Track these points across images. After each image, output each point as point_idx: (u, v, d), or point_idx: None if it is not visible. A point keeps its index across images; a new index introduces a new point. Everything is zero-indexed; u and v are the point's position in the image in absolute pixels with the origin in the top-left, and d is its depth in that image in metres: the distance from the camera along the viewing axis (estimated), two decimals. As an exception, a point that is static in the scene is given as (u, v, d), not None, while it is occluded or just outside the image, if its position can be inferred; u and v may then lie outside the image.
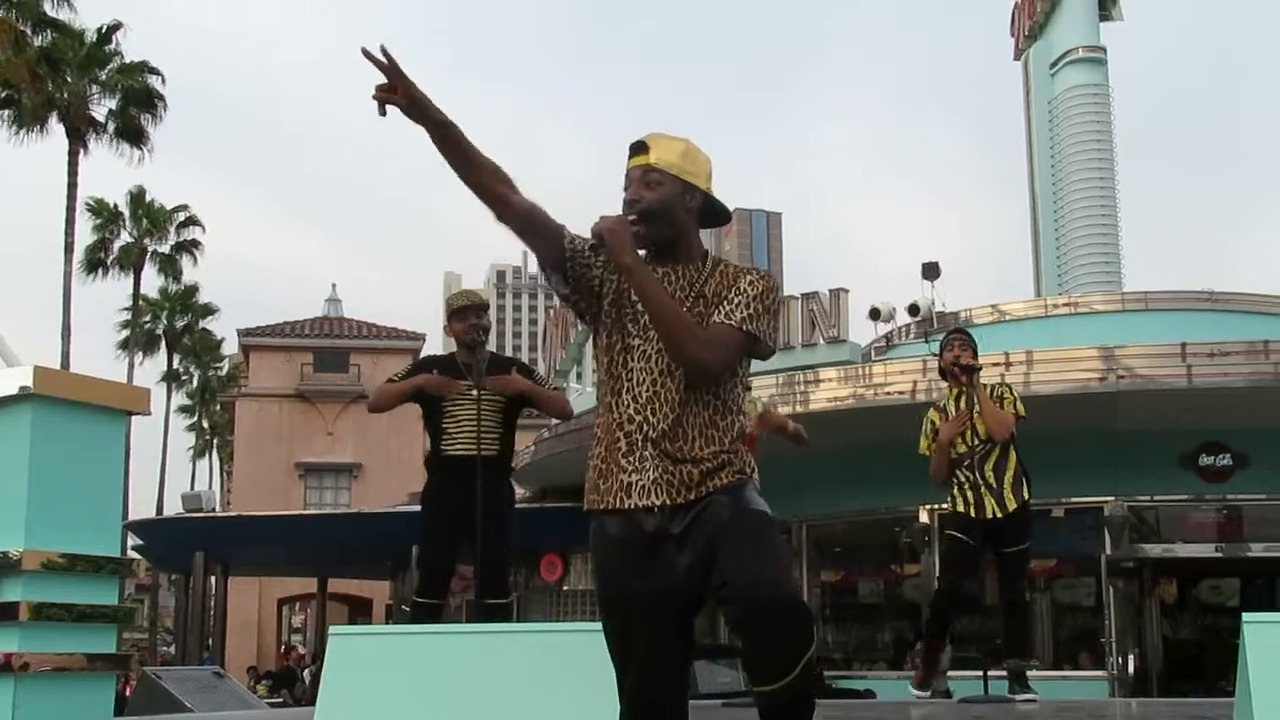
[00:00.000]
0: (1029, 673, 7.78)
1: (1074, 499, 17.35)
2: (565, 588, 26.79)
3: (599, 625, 3.34)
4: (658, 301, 3.25)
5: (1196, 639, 18.39)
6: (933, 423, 7.78)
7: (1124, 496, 17.12)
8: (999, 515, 7.50)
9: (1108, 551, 17.10)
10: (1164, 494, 16.97)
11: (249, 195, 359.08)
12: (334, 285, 50.50)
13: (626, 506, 3.33)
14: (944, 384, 8.06)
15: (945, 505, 7.79)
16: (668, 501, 3.28)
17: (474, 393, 6.90)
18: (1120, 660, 16.66)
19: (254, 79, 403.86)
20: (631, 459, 3.34)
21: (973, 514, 7.52)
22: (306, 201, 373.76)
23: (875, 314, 21.43)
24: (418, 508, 7.34)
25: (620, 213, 3.37)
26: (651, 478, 3.30)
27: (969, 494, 7.56)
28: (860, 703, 12.37)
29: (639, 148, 3.45)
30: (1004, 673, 7.81)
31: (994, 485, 7.52)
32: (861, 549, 19.80)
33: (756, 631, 3.02)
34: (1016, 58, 29.88)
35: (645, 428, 3.32)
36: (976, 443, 7.59)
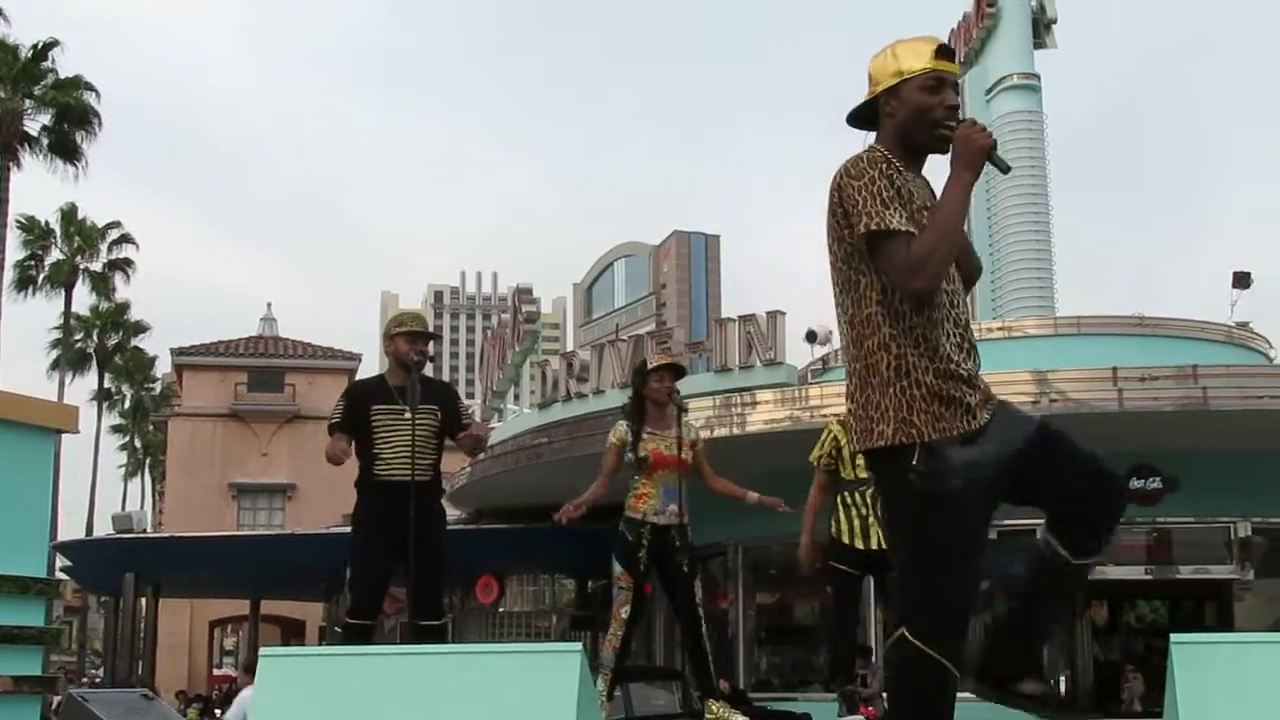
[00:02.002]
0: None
1: (1007, 521, 17.37)
2: (501, 609, 26.67)
3: (536, 646, 3.34)
4: (960, 219, 3.45)
5: (1127, 660, 18.55)
6: (835, 438, 7.74)
7: (1057, 519, 17.26)
8: (880, 549, 7.41)
9: (1041, 573, 17.22)
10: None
11: (184, 214, 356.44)
12: (269, 304, 50.13)
13: (974, 428, 3.52)
14: None
15: (832, 529, 7.69)
16: (986, 417, 3.56)
17: (406, 416, 6.87)
18: (1051, 681, 16.78)
19: (193, 99, 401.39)
20: (965, 385, 3.52)
21: (857, 544, 7.50)
22: (242, 221, 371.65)
23: (812, 336, 21.54)
24: (350, 529, 7.29)
25: (943, 111, 3.52)
26: (979, 399, 3.55)
27: (855, 522, 7.54)
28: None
29: (953, 55, 3.60)
30: None
31: (880, 519, 7.50)
32: (797, 572, 19.81)
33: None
34: (952, 83, 30.15)
35: (966, 350, 3.56)
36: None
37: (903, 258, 3.37)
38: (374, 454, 6.98)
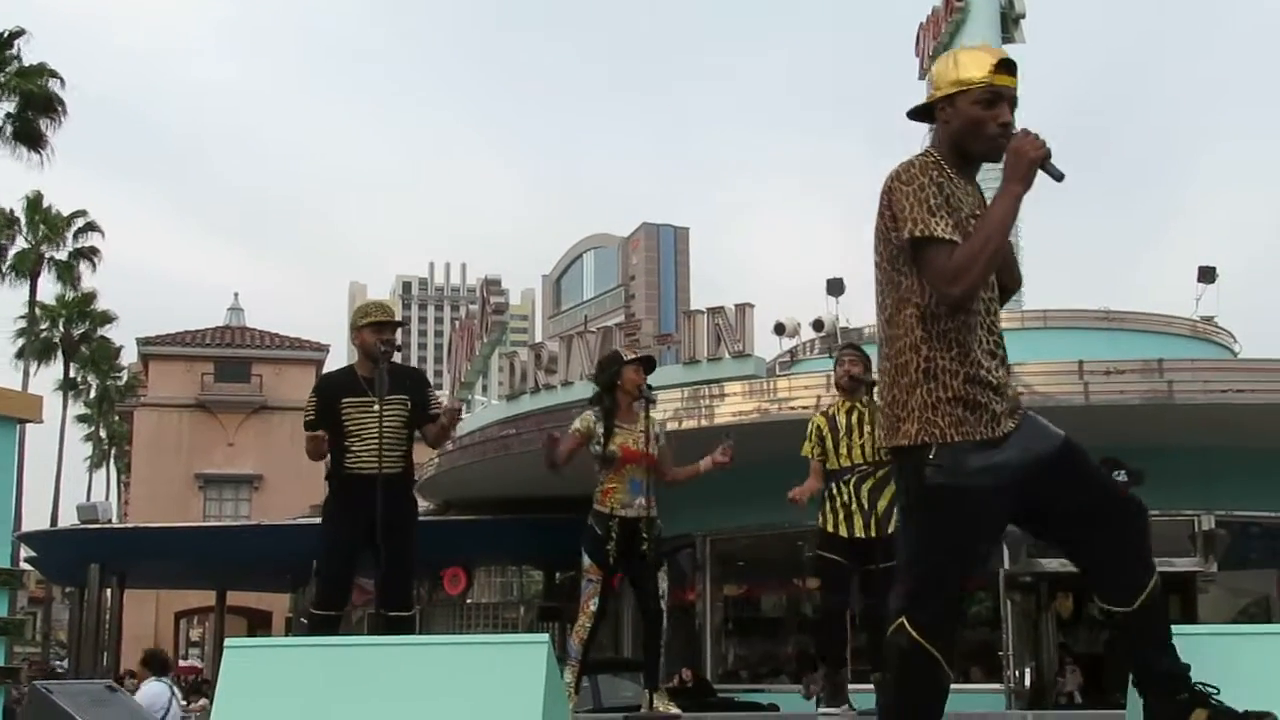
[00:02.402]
0: None
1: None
2: (469, 600, 26.63)
3: (502, 638, 3.35)
4: (1005, 230, 3.48)
5: (1091, 652, 18.66)
6: (819, 429, 7.75)
7: (1022, 512, 17.34)
8: (866, 536, 7.44)
9: (1006, 566, 17.30)
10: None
11: (153, 204, 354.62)
12: (236, 294, 49.89)
13: (998, 434, 3.55)
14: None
15: (821, 521, 7.70)
16: (1012, 426, 3.59)
17: (375, 407, 6.85)
18: (1017, 673, 16.87)
19: (165, 90, 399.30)
20: (992, 392, 3.55)
21: (842, 533, 7.52)
22: (211, 211, 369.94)
23: (780, 329, 21.56)
24: (319, 520, 7.27)
25: (996, 128, 3.56)
26: (1005, 407, 3.58)
27: (840, 511, 7.55)
28: (764, 716, 12.42)
29: (1014, 69, 3.63)
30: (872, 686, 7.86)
31: (865, 508, 7.52)
32: (764, 563, 19.90)
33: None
34: (921, 77, 30.21)
35: (998, 359, 3.61)
36: (861, 461, 7.60)
37: (944, 264, 3.44)
38: (343, 446, 6.95)
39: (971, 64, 3.62)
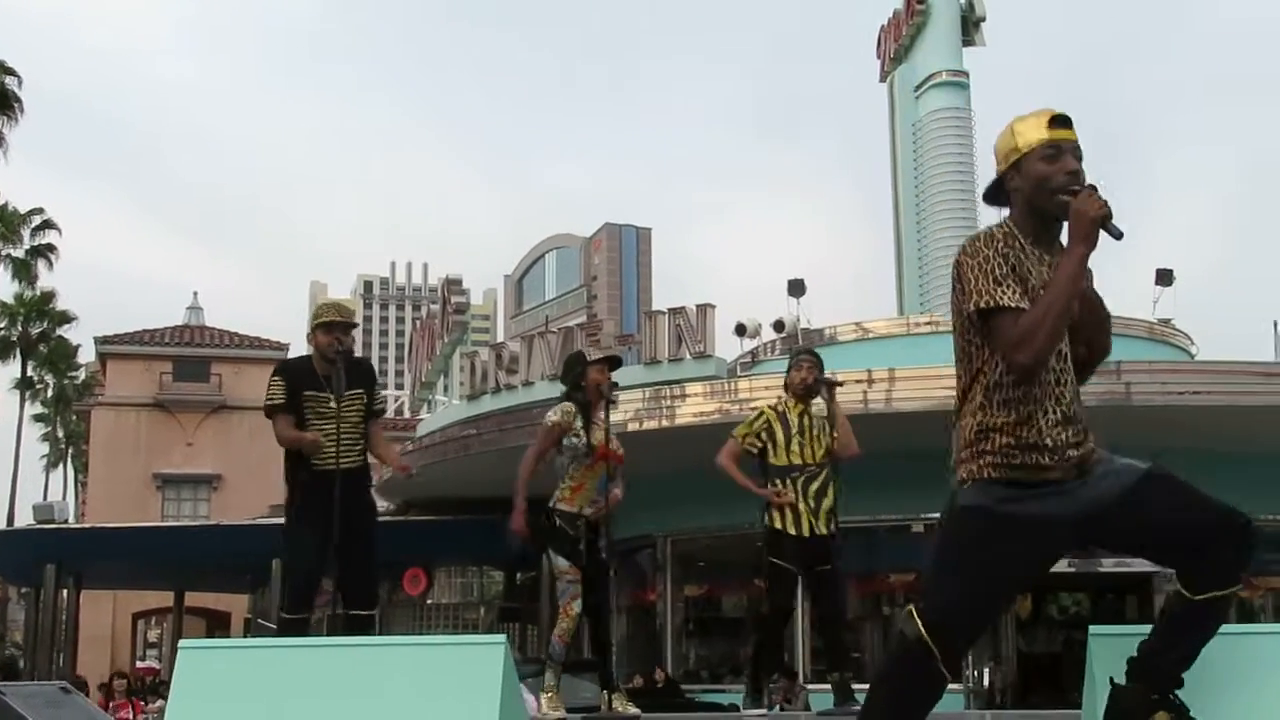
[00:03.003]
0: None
1: (934, 514, 17.60)
2: (429, 601, 26.57)
3: (460, 638, 3.34)
4: (1069, 293, 3.49)
5: (1050, 652, 18.78)
6: (768, 421, 7.75)
7: (981, 512, 17.43)
8: (814, 534, 7.54)
9: (965, 566, 17.39)
10: (1019, 510, 17.29)
11: (111, 202, 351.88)
12: (195, 293, 49.47)
13: (1039, 479, 3.63)
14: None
15: (773, 522, 7.68)
16: (1060, 475, 3.67)
17: (332, 404, 6.81)
18: (976, 673, 16.95)
19: (124, 88, 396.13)
20: (1046, 454, 3.61)
21: (791, 530, 7.56)
22: (170, 209, 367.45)
23: (741, 330, 21.61)
24: (279, 520, 7.22)
25: (1064, 178, 3.57)
26: (1061, 463, 3.66)
27: (789, 511, 7.60)
28: (723, 716, 12.42)
29: (1069, 122, 3.65)
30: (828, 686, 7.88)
31: (813, 506, 7.58)
32: (725, 564, 19.94)
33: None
34: (882, 80, 30.32)
35: (1065, 432, 3.68)
36: (811, 461, 7.65)
37: (1010, 332, 3.48)
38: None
39: (1027, 128, 3.68)
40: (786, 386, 7.94)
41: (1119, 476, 3.66)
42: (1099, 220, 3.48)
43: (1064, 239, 3.57)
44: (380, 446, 7.24)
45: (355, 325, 7.28)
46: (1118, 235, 3.53)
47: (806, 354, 8.28)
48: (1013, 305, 3.48)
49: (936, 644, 3.43)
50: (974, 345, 3.66)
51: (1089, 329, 3.72)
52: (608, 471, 7.46)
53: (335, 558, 6.73)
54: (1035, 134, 3.64)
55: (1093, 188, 3.55)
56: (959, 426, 3.71)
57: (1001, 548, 3.54)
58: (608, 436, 7.43)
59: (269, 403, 7.04)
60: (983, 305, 3.51)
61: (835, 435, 7.74)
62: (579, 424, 7.41)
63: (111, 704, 17.10)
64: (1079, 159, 3.63)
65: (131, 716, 16.69)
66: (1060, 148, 3.62)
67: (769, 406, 7.94)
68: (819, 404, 7.92)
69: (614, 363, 7.76)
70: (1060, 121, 3.65)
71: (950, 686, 3.59)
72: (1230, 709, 3.81)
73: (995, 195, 3.80)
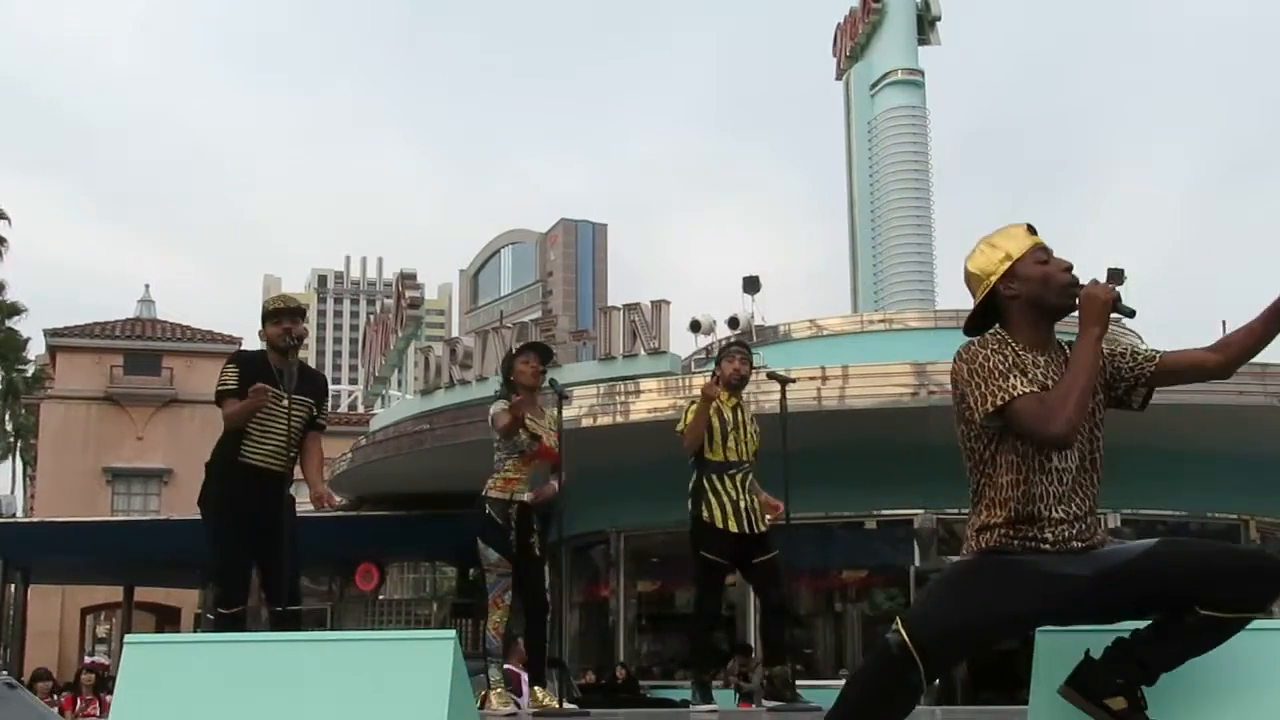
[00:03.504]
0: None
1: (885, 511, 17.74)
2: (381, 597, 26.48)
3: (409, 633, 3.31)
4: (1092, 370, 3.62)
5: (1001, 649, 18.86)
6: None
7: (934, 509, 17.54)
8: (749, 531, 7.53)
9: (917, 563, 17.49)
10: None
11: (62, 194, 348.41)
12: (147, 286, 49.03)
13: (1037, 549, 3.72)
14: (767, 393, 8.07)
15: (704, 514, 7.65)
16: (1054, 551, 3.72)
17: (284, 402, 6.73)
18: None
19: (76, 79, 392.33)
20: (1040, 544, 3.66)
21: (731, 527, 7.54)
22: (122, 202, 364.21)
23: (696, 326, 21.63)
24: (203, 514, 7.03)
25: (1065, 275, 3.73)
26: (1056, 547, 3.71)
27: (726, 505, 7.57)
28: (674, 711, 12.42)
29: (1035, 230, 3.85)
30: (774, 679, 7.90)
31: (749, 501, 7.58)
32: (678, 560, 19.91)
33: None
34: (838, 78, 30.46)
35: (1065, 528, 3.71)
36: (744, 458, 7.64)
37: (1036, 409, 3.54)
38: (246, 433, 6.81)
39: (1009, 240, 3.82)
40: (717, 379, 7.88)
41: (1134, 547, 3.72)
42: (1110, 302, 3.64)
43: (1056, 336, 3.77)
44: (313, 465, 7.04)
45: (304, 312, 7.17)
46: (1130, 314, 3.74)
47: (738, 345, 8.30)
48: (1029, 390, 3.57)
49: (922, 660, 3.45)
50: (976, 452, 3.73)
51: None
52: (551, 467, 7.42)
53: (261, 555, 6.68)
54: (1021, 243, 3.80)
55: (1094, 279, 3.72)
56: (968, 523, 3.79)
57: (1010, 587, 3.58)
58: (560, 432, 7.40)
59: (221, 388, 6.91)
60: (998, 403, 3.57)
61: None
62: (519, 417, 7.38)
63: (79, 699, 17.00)
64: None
65: (99, 713, 16.56)
66: (1047, 250, 3.79)
67: (707, 399, 7.91)
68: (763, 392, 7.94)
69: (540, 351, 7.72)
70: (1034, 230, 3.85)
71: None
72: (1221, 707, 3.84)
73: (979, 319, 3.87)
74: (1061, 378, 3.63)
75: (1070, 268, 3.74)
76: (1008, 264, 3.77)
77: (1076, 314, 3.72)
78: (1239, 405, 15.18)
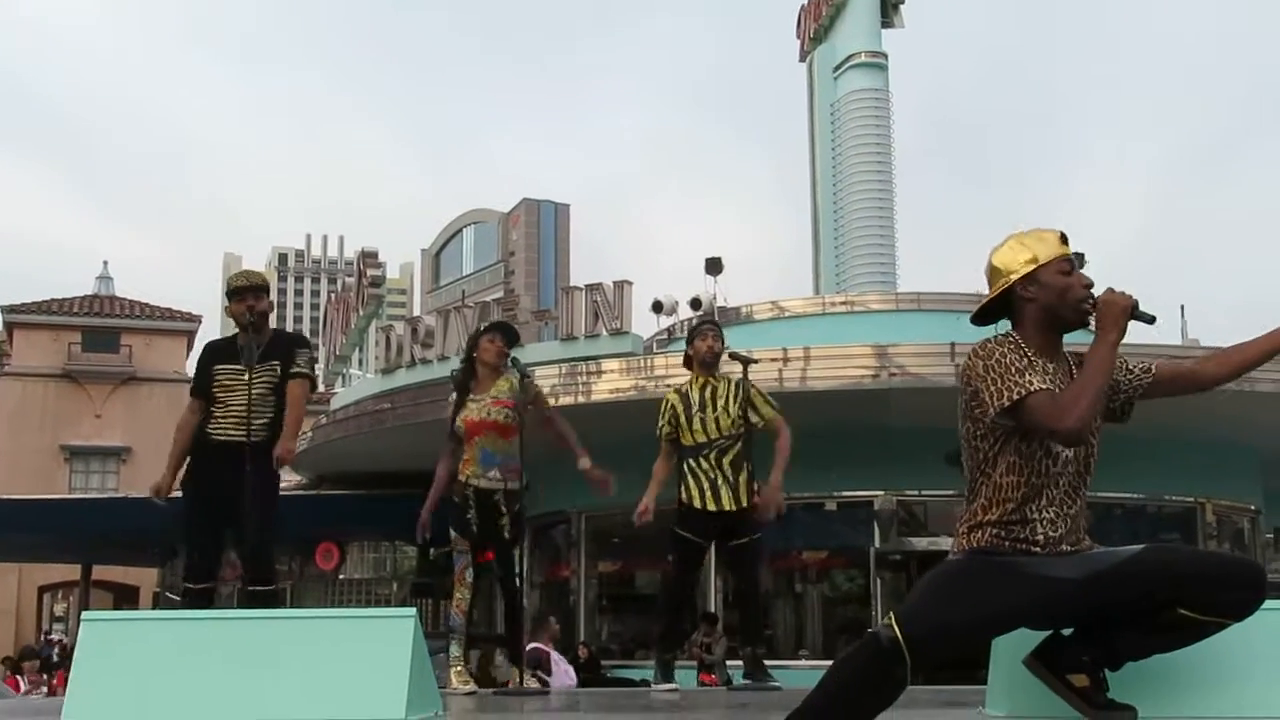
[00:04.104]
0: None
1: (846, 493, 17.81)
2: (341, 576, 26.43)
3: (369, 611, 3.31)
4: (1106, 372, 3.64)
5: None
6: (673, 406, 7.73)
7: (893, 491, 17.63)
8: (732, 508, 7.50)
9: (877, 544, 17.58)
10: (931, 489, 17.50)
11: (19, 170, 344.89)
12: (105, 262, 48.58)
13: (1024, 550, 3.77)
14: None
15: (682, 495, 7.61)
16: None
17: (245, 376, 6.72)
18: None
19: (36, 53, 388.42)
20: (1032, 547, 3.70)
21: (709, 506, 7.53)
22: (80, 177, 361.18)
23: (658, 307, 21.64)
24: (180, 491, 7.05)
25: (1083, 291, 3.73)
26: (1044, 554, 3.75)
27: (704, 485, 7.57)
28: (633, 690, 12.46)
29: (1068, 239, 3.84)
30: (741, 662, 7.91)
31: (730, 478, 7.57)
32: (639, 540, 19.95)
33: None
34: (802, 59, 30.44)
35: (1059, 531, 3.75)
36: (718, 435, 7.63)
37: (1050, 405, 3.57)
38: (209, 412, 6.81)
39: (1039, 242, 3.82)
40: (691, 359, 7.89)
41: (1122, 552, 3.75)
42: (1128, 309, 3.65)
43: (1065, 344, 3.80)
44: (286, 417, 6.94)
45: (266, 288, 7.13)
46: (1150, 320, 3.72)
47: (709, 323, 8.28)
48: (1044, 387, 3.59)
49: (911, 655, 3.45)
50: (980, 451, 3.76)
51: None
52: (504, 445, 7.38)
53: (237, 532, 6.67)
54: (1050, 249, 3.80)
55: (1111, 287, 3.72)
56: (960, 519, 3.83)
57: (1000, 587, 3.61)
58: (503, 405, 7.34)
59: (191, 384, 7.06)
60: (1014, 397, 3.60)
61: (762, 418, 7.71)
62: (455, 411, 7.39)
63: (48, 676, 16.96)
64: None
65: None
66: (1074, 262, 3.81)
67: (673, 391, 7.90)
68: (728, 372, 7.93)
69: (505, 331, 7.68)
70: (1066, 240, 3.84)
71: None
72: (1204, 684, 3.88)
73: (990, 313, 3.92)
74: (1078, 375, 3.67)
75: (1091, 285, 3.75)
76: (1031, 267, 3.78)
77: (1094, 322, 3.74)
78: (1196, 389, 15.29)
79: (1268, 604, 3.66)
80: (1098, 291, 3.72)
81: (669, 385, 16.00)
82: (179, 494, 7.01)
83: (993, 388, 3.65)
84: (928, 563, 17.80)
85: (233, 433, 6.73)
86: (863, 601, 17.87)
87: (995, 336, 3.79)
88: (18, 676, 17.26)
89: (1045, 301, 3.76)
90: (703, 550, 7.75)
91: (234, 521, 6.63)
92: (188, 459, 6.93)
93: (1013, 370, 3.63)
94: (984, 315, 3.93)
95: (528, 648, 14.53)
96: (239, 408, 6.73)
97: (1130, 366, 3.90)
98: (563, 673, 12.40)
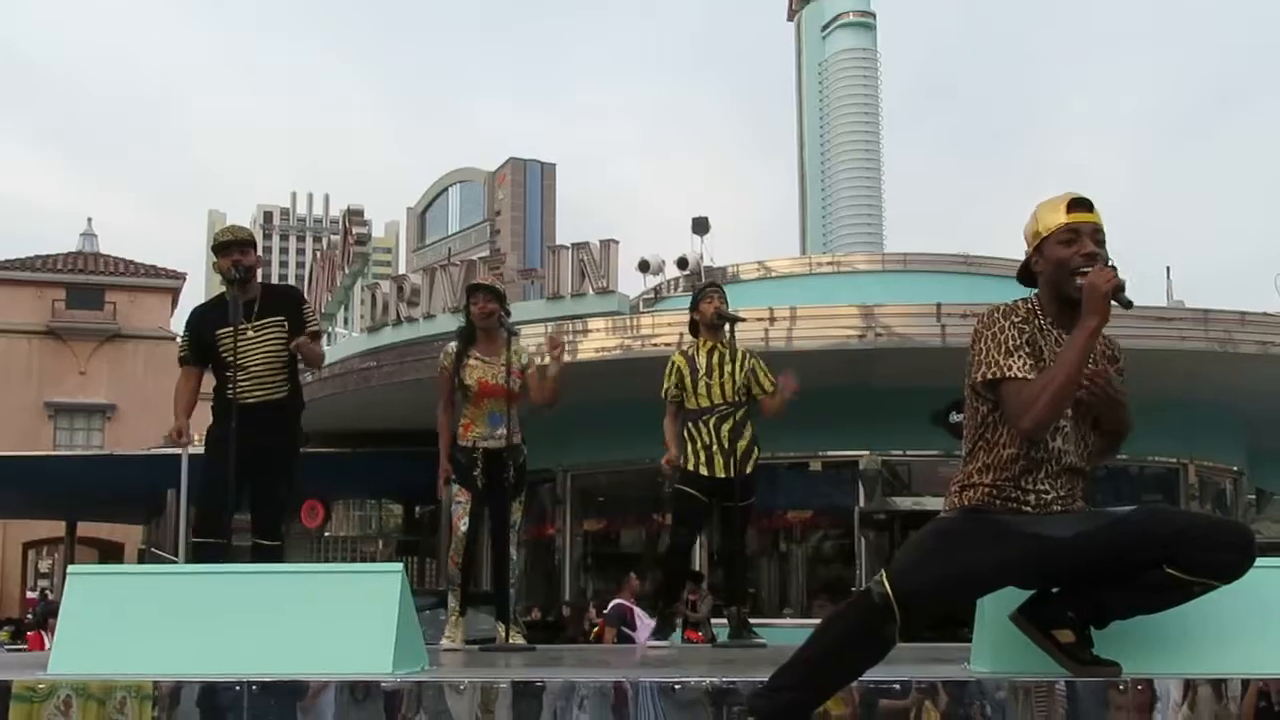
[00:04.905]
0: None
1: (831, 453, 17.84)
2: (326, 534, 26.43)
3: (357, 566, 3.32)
4: (1077, 365, 3.58)
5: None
6: (679, 369, 7.75)
7: (878, 451, 17.67)
8: (726, 476, 7.53)
9: (861, 504, 17.63)
10: (916, 449, 17.55)
11: (5, 128, 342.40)
12: (90, 219, 48.31)
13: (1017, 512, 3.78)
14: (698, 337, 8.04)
15: (681, 458, 7.66)
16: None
17: (249, 334, 6.67)
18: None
19: (19, 10, 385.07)
20: (1024, 507, 3.72)
21: (704, 471, 7.58)
22: (66, 135, 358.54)
23: (644, 266, 21.62)
24: (174, 451, 7.11)
25: (1079, 260, 3.67)
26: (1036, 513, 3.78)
27: (701, 452, 7.61)
28: (619, 648, 12.52)
29: (1088, 205, 3.76)
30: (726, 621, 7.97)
31: (725, 448, 7.58)
32: (624, 499, 20.02)
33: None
34: (790, 18, 30.40)
35: (1052, 496, 3.77)
36: (721, 402, 7.65)
37: (1014, 398, 3.61)
38: (223, 376, 6.74)
39: (1047, 212, 3.80)
40: (695, 322, 7.91)
41: (1113, 512, 3.76)
42: (1110, 293, 3.59)
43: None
44: (315, 355, 6.99)
45: (253, 243, 7.07)
46: (1127, 305, 3.65)
47: (713, 285, 8.29)
48: (1020, 376, 3.61)
49: (901, 612, 3.47)
50: (979, 412, 3.78)
51: (1100, 408, 3.78)
52: (506, 407, 7.39)
53: (250, 490, 6.68)
54: (1054, 218, 3.78)
55: (1106, 263, 3.67)
56: (953, 479, 3.84)
57: (992, 544, 3.63)
58: (509, 371, 7.36)
59: (179, 354, 7.00)
60: (990, 376, 3.65)
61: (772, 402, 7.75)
62: (453, 363, 7.37)
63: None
64: (1099, 241, 3.74)
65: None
66: (1079, 230, 3.74)
67: (679, 352, 7.91)
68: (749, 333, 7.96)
69: (491, 293, 7.65)
70: (1079, 205, 3.77)
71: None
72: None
73: (1026, 276, 3.92)
74: (1049, 366, 3.64)
75: (1093, 256, 3.68)
76: (1039, 239, 3.80)
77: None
78: (1180, 350, 15.33)
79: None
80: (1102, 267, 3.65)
81: (655, 345, 16.11)
82: (174, 450, 7.02)
83: (979, 358, 3.69)
84: (912, 523, 17.88)
85: (247, 395, 6.66)
86: (847, 561, 17.92)
87: (1012, 304, 3.79)
88: (43, 633, 17.26)
89: (1048, 275, 3.77)
90: (701, 507, 7.77)
91: (256, 479, 6.63)
92: (214, 419, 6.87)
93: (1003, 348, 3.65)
94: (1025, 279, 3.93)
95: (611, 604, 14.62)
96: (258, 368, 6.69)
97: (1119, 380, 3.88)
98: (647, 627, 12.48)
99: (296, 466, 7.04)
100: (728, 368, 7.65)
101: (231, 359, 6.65)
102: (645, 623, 12.72)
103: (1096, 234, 3.74)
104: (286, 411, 6.86)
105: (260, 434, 6.51)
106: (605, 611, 14.34)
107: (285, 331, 6.80)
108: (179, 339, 7.05)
